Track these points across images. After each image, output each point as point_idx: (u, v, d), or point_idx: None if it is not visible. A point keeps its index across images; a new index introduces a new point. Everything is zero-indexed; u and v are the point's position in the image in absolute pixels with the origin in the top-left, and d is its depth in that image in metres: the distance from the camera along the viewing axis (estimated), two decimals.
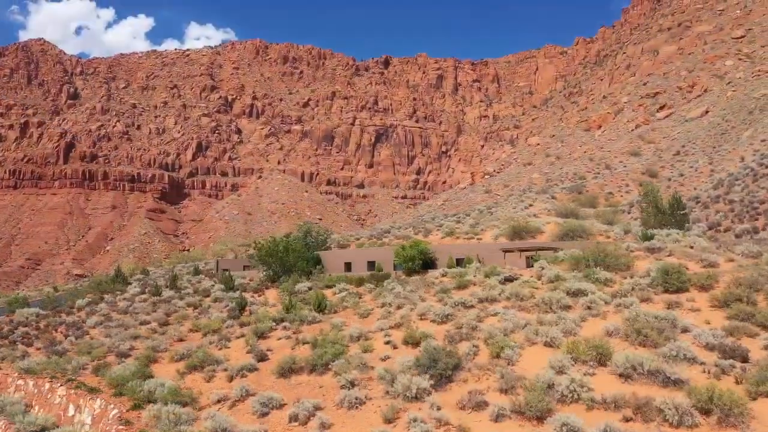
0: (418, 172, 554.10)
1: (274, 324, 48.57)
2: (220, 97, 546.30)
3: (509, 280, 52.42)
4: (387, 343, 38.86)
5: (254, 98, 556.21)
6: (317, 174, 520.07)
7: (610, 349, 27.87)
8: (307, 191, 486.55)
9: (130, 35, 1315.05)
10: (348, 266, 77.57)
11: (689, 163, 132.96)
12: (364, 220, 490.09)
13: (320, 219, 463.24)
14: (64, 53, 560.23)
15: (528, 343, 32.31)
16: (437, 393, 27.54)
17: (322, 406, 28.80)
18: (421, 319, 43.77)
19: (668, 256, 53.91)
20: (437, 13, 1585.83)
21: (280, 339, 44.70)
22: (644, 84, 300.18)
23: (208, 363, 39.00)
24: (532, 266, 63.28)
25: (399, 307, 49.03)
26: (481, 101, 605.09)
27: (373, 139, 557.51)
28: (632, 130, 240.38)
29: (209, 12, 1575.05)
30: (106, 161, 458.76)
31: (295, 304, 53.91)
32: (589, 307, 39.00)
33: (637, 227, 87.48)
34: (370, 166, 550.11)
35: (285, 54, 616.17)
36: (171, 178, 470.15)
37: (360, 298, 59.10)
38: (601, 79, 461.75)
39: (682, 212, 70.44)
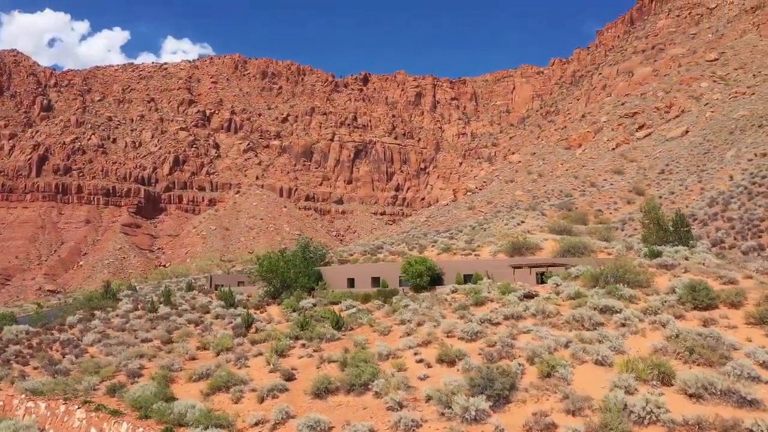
0: (397, 188, 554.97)
1: (291, 342, 47.10)
2: (198, 111, 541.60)
3: (528, 296, 51.80)
4: (420, 361, 37.75)
5: (233, 113, 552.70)
6: (296, 189, 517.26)
7: (672, 368, 27.20)
8: (285, 207, 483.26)
9: (105, 48, 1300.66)
10: (351, 282, 76.30)
11: (677, 181, 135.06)
12: (343, 236, 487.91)
13: (299, 234, 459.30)
14: (38, 65, 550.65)
15: (577, 361, 31.51)
16: (497, 414, 26.52)
17: (375, 429, 27.51)
18: (447, 336, 42.76)
19: (684, 272, 53.91)
20: (416, 32, 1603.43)
21: (301, 357, 43.24)
22: (622, 104, 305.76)
23: (233, 383, 37.33)
24: (544, 282, 62.90)
25: (420, 324, 47.98)
26: (459, 119, 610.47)
27: (352, 155, 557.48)
28: (613, 149, 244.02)
29: (186, 27, 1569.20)
30: (81, 174, 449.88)
31: (309, 321, 52.46)
32: (623, 324, 38.45)
33: (635, 244, 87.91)
34: (349, 182, 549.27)
35: (264, 69, 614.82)
36: (147, 193, 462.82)
37: (371, 314, 57.92)
38: (578, 99, 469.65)
39: (685, 229, 70.81)
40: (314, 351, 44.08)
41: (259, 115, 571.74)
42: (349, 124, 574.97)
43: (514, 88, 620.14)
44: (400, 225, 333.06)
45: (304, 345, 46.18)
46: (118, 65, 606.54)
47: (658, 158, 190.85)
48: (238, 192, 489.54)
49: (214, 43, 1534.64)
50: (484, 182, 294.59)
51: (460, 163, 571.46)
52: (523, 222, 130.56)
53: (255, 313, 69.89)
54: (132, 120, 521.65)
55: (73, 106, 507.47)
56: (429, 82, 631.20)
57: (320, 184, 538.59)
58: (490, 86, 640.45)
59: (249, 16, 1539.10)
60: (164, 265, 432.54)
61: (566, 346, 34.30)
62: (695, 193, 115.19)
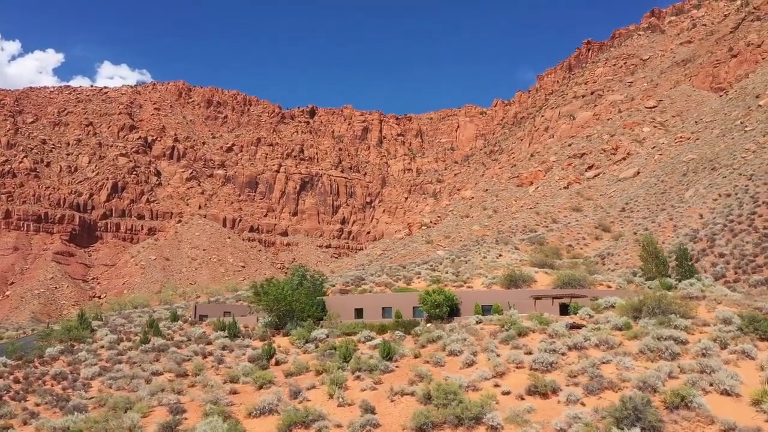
0: (343, 221, 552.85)
1: (344, 373, 44.41)
2: (140, 137, 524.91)
3: (575, 327, 51.27)
4: (507, 393, 36.21)
5: (176, 140, 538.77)
6: (240, 220, 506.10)
7: None
8: (229, 237, 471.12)
9: (37, 69, 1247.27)
10: (358, 312, 73.91)
11: (640, 218, 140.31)
12: (288, 269, 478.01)
13: (243, 266, 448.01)
14: None
15: (701, 391, 30.79)
16: None
17: None
18: (517, 367, 41.45)
19: (719, 304, 54.94)
20: (362, 68, 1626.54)
21: (364, 390, 40.75)
22: (569, 145, 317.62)
23: (313, 418, 34.48)
24: (568, 313, 62.72)
25: (474, 354, 46.41)
26: (405, 154, 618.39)
27: (298, 187, 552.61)
28: (564, 187, 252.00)
29: (124, 52, 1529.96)
30: (10, 199, 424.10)
31: (352, 352, 49.89)
32: (704, 354, 38.30)
33: (629, 276, 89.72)
34: (295, 214, 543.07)
35: (209, 98, 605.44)
36: (82, 220, 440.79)
37: (402, 345, 55.68)
38: (521, 139, 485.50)
39: (689, 263, 72.77)
40: (375, 383, 41.67)
41: (203, 143, 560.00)
42: (295, 156, 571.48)
43: (458, 127, 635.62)
44: (354, 258, 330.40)
45: (358, 377, 43.65)
46: (53, 87, 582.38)
47: (613, 197, 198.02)
48: (179, 221, 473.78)
49: (154, 71, 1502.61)
50: (439, 217, 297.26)
51: (406, 198, 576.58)
52: (500, 255, 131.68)
53: (263, 344, 66.36)
54: (68, 144, 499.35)
55: (3, 127, 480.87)
56: (376, 117, 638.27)
57: (265, 216, 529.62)
58: (435, 124, 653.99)
59: (191, 45, 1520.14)
60: (98, 296, 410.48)
61: (671, 376, 33.62)
62: (669, 230, 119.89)
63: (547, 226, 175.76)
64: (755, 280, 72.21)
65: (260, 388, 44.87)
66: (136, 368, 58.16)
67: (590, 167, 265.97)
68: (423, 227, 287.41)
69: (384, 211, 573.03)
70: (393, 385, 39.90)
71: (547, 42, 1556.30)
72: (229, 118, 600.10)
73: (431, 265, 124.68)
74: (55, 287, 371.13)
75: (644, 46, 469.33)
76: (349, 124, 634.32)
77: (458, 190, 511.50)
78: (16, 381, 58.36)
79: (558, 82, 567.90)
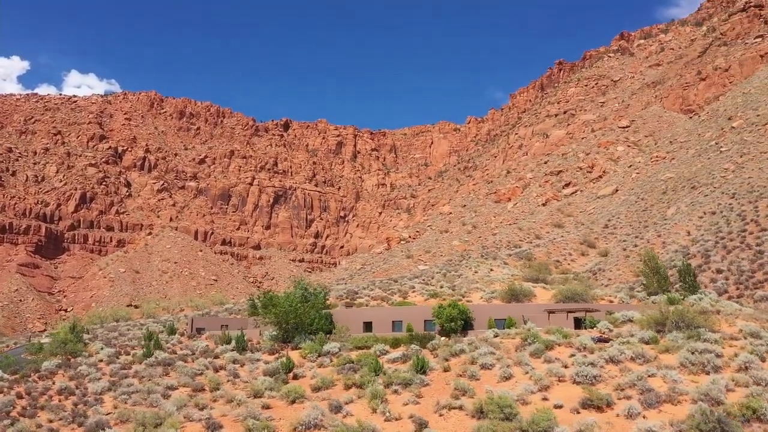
0: (317, 235, 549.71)
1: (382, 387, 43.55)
2: (110, 147, 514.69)
3: (603, 341, 51.40)
4: (559, 407, 35.90)
5: (147, 151, 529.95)
6: (212, 233, 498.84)
7: None
8: (201, 250, 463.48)
9: (0, 77, 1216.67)
10: (367, 326, 73.03)
11: (624, 234, 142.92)
12: (260, 282, 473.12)
13: (215, 280, 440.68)
14: None
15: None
16: None
17: None
18: (559, 380, 41.24)
19: (736, 318, 55.79)
20: (336, 83, 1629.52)
21: (407, 404, 40.00)
22: (545, 163, 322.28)
23: None
24: (583, 327, 62.97)
25: (507, 367, 46.04)
26: (379, 169, 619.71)
27: (271, 201, 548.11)
28: (543, 204, 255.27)
29: (92, 61, 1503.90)
30: None
31: (381, 365, 49.05)
32: (746, 368, 38.68)
33: (626, 291, 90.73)
34: (268, 227, 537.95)
35: (181, 109, 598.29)
36: (48, 230, 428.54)
37: (418, 359, 55.03)
38: (495, 156, 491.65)
39: (692, 278, 74.00)
40: (417, 396, 40.95)
41: (175, 155, 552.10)
42: (269, 169, 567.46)
43: (432, 143, 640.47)
44: (333, 272, 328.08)
45: (396, 391, 42.87)
46: (20, 95, 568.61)
47: (593, 214, 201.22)
48: (150, 233, 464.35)
49: (123, 81, 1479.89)
50: (417, 231, 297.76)
51: (380, 213, 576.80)
52: (492, 270, 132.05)
53: (275, 357, 64.98)
54: (35, 153, 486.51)
55: None
56: (350, 132, 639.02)
57: (237, 229, 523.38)
58: (409, 139, 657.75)
59: (162, 55, 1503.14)
60: (65, 310, 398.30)
61: (728, 389, 33.78)
62: (658, 246, 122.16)
63: (531, 242, 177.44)
64: (760, 295, 73.93)
65: (293, 402, 43.71)
66: (147, 383, 56.14)
67: (567, 184, 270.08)
68: (402, 242, 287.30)
69: (358, 225, 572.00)
70: (438, 398, 39.23)
71: (518, 63, 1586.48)
72: (202, 130, 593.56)
73: (424, 279, 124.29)
74: (20, 300, 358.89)
75: (615, 67, 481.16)
76: (323, 138, 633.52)
77: (432, 205, 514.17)
78: (19, 396, 55.75)
79: (530, 101, 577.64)
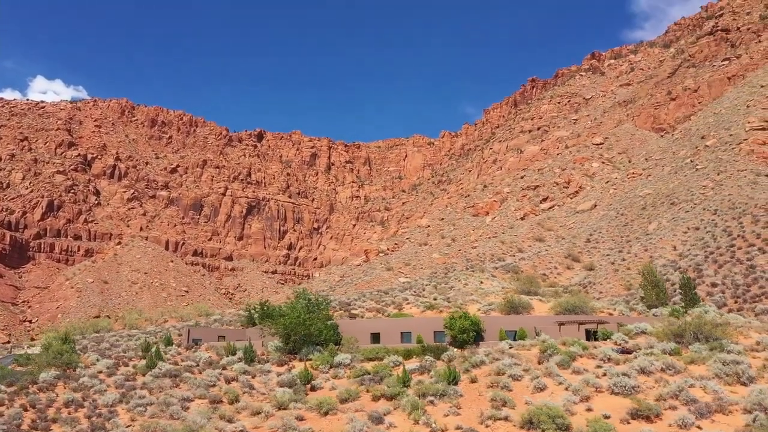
0: (290, 247, 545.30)
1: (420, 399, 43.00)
2: (79, 154, 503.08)
3: (626, 352, 51.82)
4: (607, 417, 35.94)
5: (117, 159, 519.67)
6: (183, 243, 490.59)
7: None
8: (172, 261, 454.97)
9: None
10: (375, 337, 72.40)
11: (607, 249, 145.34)
12: (232, 294, 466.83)
13: (187, 291, 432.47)
14: None
15: None
16: None
17: None
18: (596, 391, 41.35)
19: (749, 330, 56.92)
20: (311, 94, 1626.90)
21: (447, 415, 39.58)
22: (522, 177, 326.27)
23: None
24: (596, 339, 63.46)
25: (537, 377, 46.02)
26: (353, 182, 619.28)
27: (244, 211, 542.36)
28: (521, 218, 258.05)
29: (59, 67, 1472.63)
30: None
31: (410, 377, 48.52)
32: None
33: (624, 304, 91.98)
34: (240, 238, 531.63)
35: (153, 117, 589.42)
36: (13, 239, 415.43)
37: (431, 371, 54.65)
38: (469, 171, 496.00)
39: (693, 292, 75.41)
40: (456, 407, 40.56)
41: (146, 163, 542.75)
42: (242, 180, 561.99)
43: (406, 156, 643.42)
44: (311, 283, 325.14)
45: (431, 402, 42.42)
46: None
47: (573, 228, 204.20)
48: (119, 243, 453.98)
49: (91, 88, 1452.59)
50: (395, 244, 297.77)
51: (354, 225, 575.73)
52: (482, 282, 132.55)
53: (282, 369, 63.88)
54: (0, 159, 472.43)
55: None
56: (324, 143, 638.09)
57: (209, 239, 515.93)
58: (383, 152, 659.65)
59: (132, 63, 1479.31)
60: (29, 321, 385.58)
61: None
62: (646, 260, 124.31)
63: (514, 255, 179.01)
64: (761, 308, 75.79)
65: (326, 414, 42.87)
66: (160, 394, 54.43)
67: (545, 199, 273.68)
68: (380, 254, 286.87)
69: (331, 237, 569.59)
70: (479, 409, 38.93)
71: (490, 79, 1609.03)
72: (174, 139, 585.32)
73: (416, 291, 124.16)
74: None
75: (586, 86, 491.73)
76: (297, 150, 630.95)
77: (407, 218, 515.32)
78: (24, 409, 53.45)
79: (504, 116, 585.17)
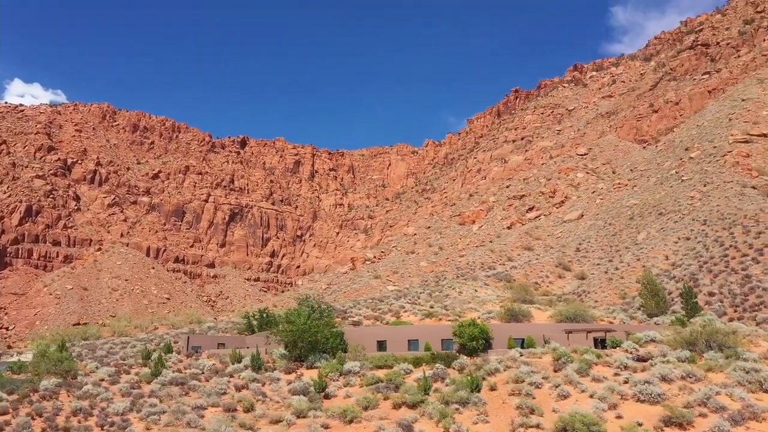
0: (273, 254, 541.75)
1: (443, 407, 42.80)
2: (59, 159, 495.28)
3: (641, 360, 52.19)
4: (640, 424, 36.10)
5: (98, 164, 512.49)
6: (165, 250, 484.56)
7: None
8: (153, 268, 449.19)
9: None
10: (380, 345, 72.08)
11: (597, 258, 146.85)
12: (214, 301, 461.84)
13: (168, 299, 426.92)
14: None
15: None
16: None
17: None
18: (622, 398, 41.54)
19: (758, 338, 57.73)
20: (295, 101, 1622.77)
21: (476, 423, 39.46)
22: (507, 187, 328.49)
23: None
24: (604, 347, 63.86)
25: (557, 386, 46.09)
26: (336, 189, 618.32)
27: (227, 218, 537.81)
28: (508, 227, 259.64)
29: (37, 71, 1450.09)
30: None
31: (430, 385, 48.29)
32: None
33: (622, 312, 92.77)
34: (222, 245, 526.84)
35: (135, 122, 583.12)
36: None
37: (444, 378, 54.49)
38: (454, 180, 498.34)
39: (694, 301, 76.37)
40: (484, 415, 40.44)
41: (128, 169, 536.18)
42: (225, 186, 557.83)
43: (389, 165, 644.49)
44: (297, 291, 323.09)
45: (457, 410, 42.25)
46: None
47: (561, 238, 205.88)
48: (99, 249, 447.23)
49: (70, 92, 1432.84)
50: (382, 252, 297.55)
51: (337, 233, 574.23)
52: (476, 291, 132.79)
53: (291, 377, 63.22)
54: None
55: None
56: (308, 151, 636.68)
57: (191, 246, 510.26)
58: (366, 160, 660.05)
59: (112, 67, 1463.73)
60: (6, 328, 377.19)
61: None
62: (638, 270, 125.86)
63: (504, 264, 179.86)
64: (762, 317, 77.03)
65: (350, 422, 42.46)
66: (171, 402, 53.47)
67: (531, 209, 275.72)
68: (367, 262, 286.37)
69: (315, 245, 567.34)
70: (509, 416, 38.86)
71: (473, 89, 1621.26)
72: (156, 144, 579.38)
73: (411, 299, 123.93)
74: None
75: (569, 97, 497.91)
76: (281, 157, 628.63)
77: (390, 226, 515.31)
78: (32, 417, 52.10)
79: (487, 126, 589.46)
